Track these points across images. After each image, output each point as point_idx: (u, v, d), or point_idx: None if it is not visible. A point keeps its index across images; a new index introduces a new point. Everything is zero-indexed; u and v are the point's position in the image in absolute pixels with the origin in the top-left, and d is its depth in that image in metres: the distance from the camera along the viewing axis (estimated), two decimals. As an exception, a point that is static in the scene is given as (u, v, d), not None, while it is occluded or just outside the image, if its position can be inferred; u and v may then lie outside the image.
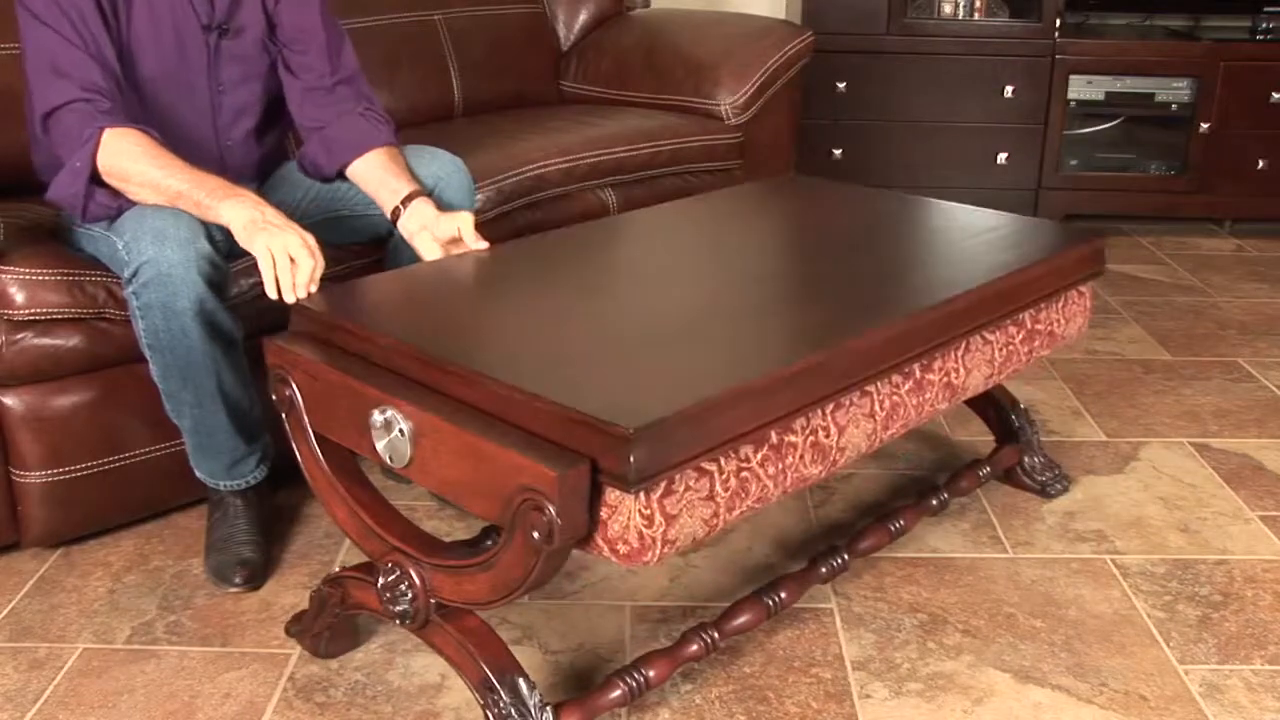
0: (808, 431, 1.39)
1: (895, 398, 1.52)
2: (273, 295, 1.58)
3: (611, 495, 1.20)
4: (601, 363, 1.36)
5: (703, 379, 1.29)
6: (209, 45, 1.85)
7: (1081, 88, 3.65)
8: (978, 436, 2.28)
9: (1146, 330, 2.95)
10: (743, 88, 2.79)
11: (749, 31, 2.94)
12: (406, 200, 1.78)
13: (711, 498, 1.28)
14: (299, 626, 1.67)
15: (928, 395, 1.59)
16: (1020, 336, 1.75)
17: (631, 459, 1.15)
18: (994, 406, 2.10)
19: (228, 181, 1.68)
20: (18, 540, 1.88)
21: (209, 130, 1.90)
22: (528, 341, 1.43)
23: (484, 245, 1.73)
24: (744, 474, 1.31)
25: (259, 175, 2.01)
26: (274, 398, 1.51)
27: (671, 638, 1.60)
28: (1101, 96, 3.67)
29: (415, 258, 1.77)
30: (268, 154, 2.01)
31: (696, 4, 3.54)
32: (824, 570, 1.70)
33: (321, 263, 1.59)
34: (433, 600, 1.40)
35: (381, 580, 1.43)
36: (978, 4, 3.66)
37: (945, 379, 1.62)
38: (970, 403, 2.09)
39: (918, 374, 1.56)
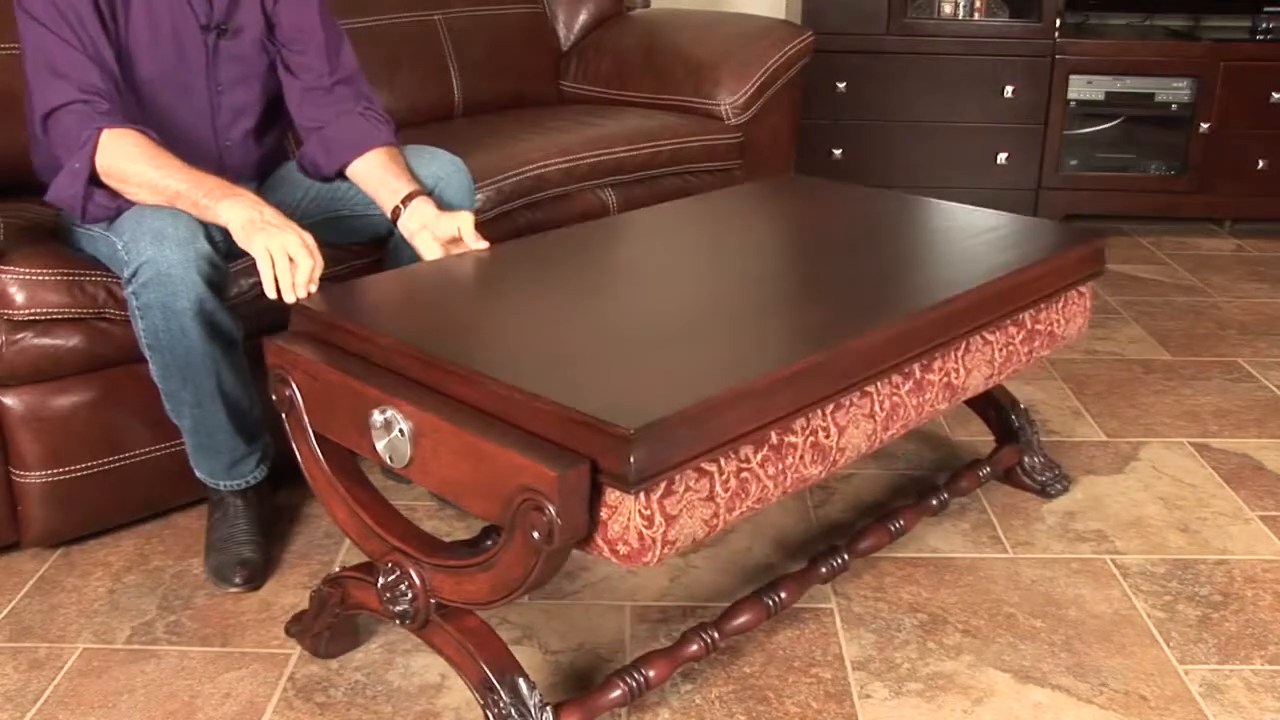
0: (808, 432, 1.39)
1: (895, 398, 1.52)
2: (271, 295, 1.58)
3: (611, 495, 1.20)
4: (601, 363, 1.35)
5: (703, 379, 1.29)
6: (207, 45, 1.85)
7: (1081, 88, 3.65)
8: (978, 436, 2.28)
9: (1146, 330, 2.95)
10: (743, 88, 2.79)
11: (749, 31, 2.94)
12: (406, 200, 1.78)
13: (711, 498, 1.28)
14: (299, 626, 1.67)
15: (928, 395, 1.59)
16: (1020, 337, 1.75)
17: (631, 459, 1.15)
18: (994, 406, 2.10)
19: (226, 181, 1.68)
20: (18, 540, 1.88)
21: (208, 130, 1.90)
22: (528, 341, 1.43)
23: (484, 245, 1.74)
24: (744, 474, 1.31)
25: (258, 175, 2.01)
26: (274, 398, 1.51)
27: (671, 638, 1.60)
28: (1101, 96, 3.67)
29: (415, 257, 1.77)
30: (267, 154, 2.01)
31: (696, 4, 3.54)
32: (824, 570, 1.70)
33: (320, 262, 1.59)
34: (433, 600, 1.40)
35: (381, 580, 1.43)
36: (978, 4, 3.66)
37: (945, 379, 1.62)
38: (970, 403, 2.09)
39: (918, 374, 1.56)
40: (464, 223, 1.73)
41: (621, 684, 1.47)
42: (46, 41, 1.69)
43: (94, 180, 1.68)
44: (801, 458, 1.39)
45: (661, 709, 1.55)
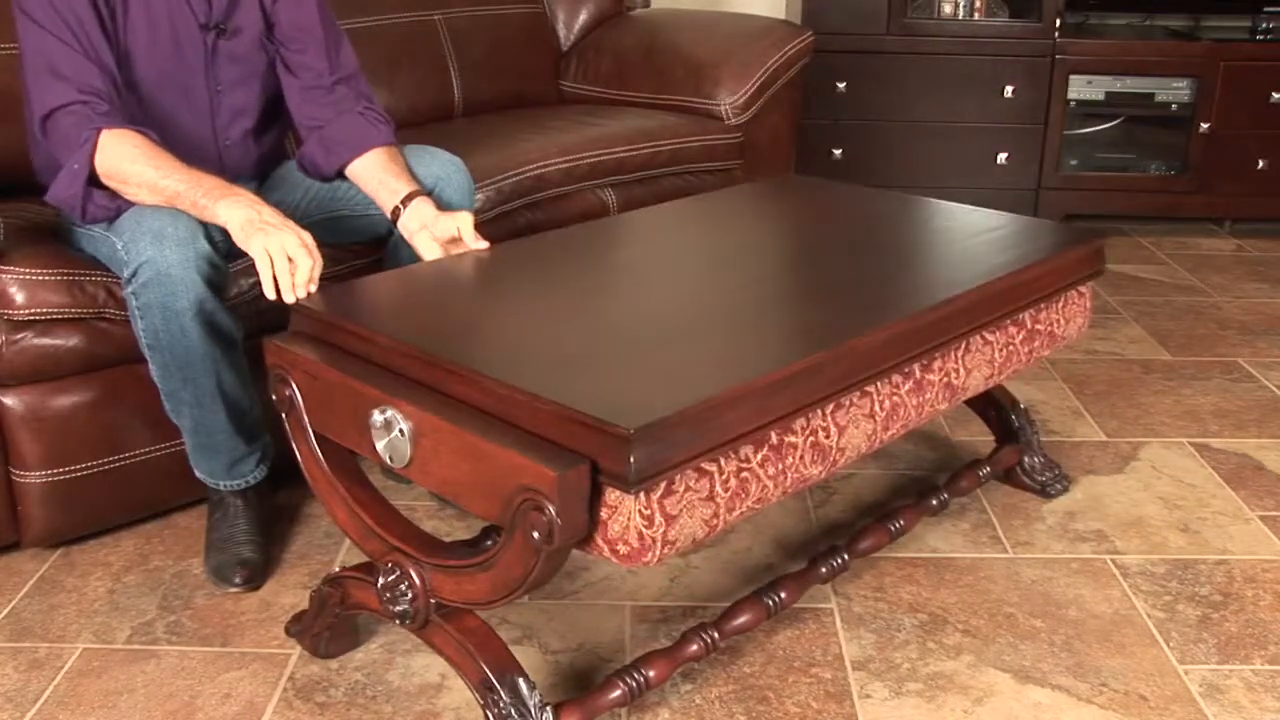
0: (808, 432, 1.39)
1: (895, 398, 1.52)
2: (270, 295, 1.58)
3: (611, 495, 1.20)
4: (601, 363, 1.35)
5: (703, 379, 1.29)
6: (207, 45, 1.85)
7: (1081, 88, 3.65)
8: (978, 436, 2.28)
9: (1146, 330, 2.95)
10: (743, 88, 2.79)
11: (749, 31, 2.94)
12: (406, 200, 1.78)
13: (711, 498, 1.28)
14: (299, 626, 1.67)
15: (928, 395, 1.59)
16: (1020, 337, 1.75)
17: (631, 459, 1.15)
18: (994, 406, 2.10)
19: (225, 181, 1.68)
20: (18, 540, 1.88)
21: (207, 130, 1.90)
22: (528, 341, 1.43)
23: (484, 245, 1.74)
24: (744, 474, 1.31)
25: (258, 175, 2.01)
26: (274, 398, 1.51)
27: (671, 638, 1.61)
28: (1101, 96, 3.67)
29: (415, 257, 1.77)
30: (266, 154, 2.01)
31: (696, 4, 3.54)
32: (824, 570, 1.70)
33: (320, 261, 1.59)
34: (433, 600, 1.40)
35: (381, 580, 1.43)
36: (978, 4, 3.66)
37: (945, 379, 1.62)
38: (970, 403, 2.09)
39: (918, 374, 1.56)
40: (463, 223, 1.73)
41: (621, 684, 1.47)
42: (45, 43, 1.69)
43: (93, 181, 1.68)
44: (801, 458, 1.39)
45: (661, 709, 1.55)
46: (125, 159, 1.66)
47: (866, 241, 1.88)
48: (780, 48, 2.86)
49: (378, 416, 1.34)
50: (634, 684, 1.47)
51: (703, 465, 1.25)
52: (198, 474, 1.86)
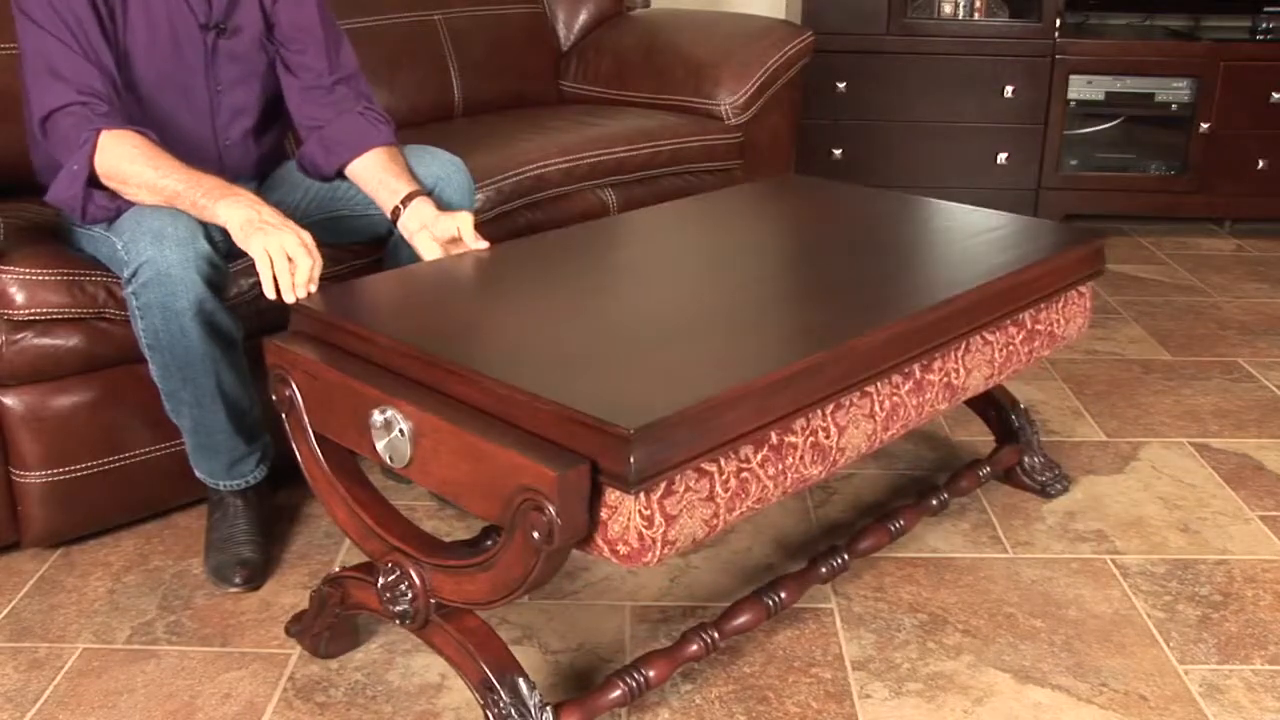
0: (808, 432, 1.39)
1: (895, 398, 1.52)
2: (270, 295, 1.58)
3: (611, 495, 1.20)
4: (601, 363, 1.35)
5: (703, 379, 1.29)
6: (206, 44, 1.85)
7: (1081, 88, 3.65)
8: (978, 436, 2.28)
9: (1146, 330, 2.95)
10: (743, 88, 2.79)
11: (749, 31, 2.94)
12: (406, 200, 1.78)
13: (711, 498, 1.28)
14: (299, 626, 1.67)
15: (928, 395, 1.59)
16: (1020, 337, 1.75)
17: (631, 459, 1.15)
18: (994, 406, 2.10)
19: (225, 181, 1.68)
20: (18, 540, 1.88)
21: (207, 130, 1.90)
22: (528, 341, 1.43)
23: (484, 245, 1.74)
24: (744, 474, 1.31)
25: (258, 175, 2.01)
26: (274, 398, 1.51)
27: (671, 638, 1.61)
28: (1101, 96, 3.67)
29: (415, 257, 1.77)
30: (266, 154, 2.01)
31: (696, 4, 3.54)
32: (824, 570, 1.70)
33: (319, 261, 1.59)
34: (433, 600, 1.40)
35: (381, 580, 1.43)
36: (978, 4, 3.66)
37: (945, 379, 1.62)
38: (970, 403, 2.09)
39: (918, 374, 1.56)
40: (463, 223, 1.73)
41: (621, 684, 1.47)
42: (45, 44, 1.69)
43: (93, 182, 1.68)
44: (801, 458, 1.39)
45: (661, 709, 1.55)
46: (124, 159, 1.66)
47: (866, 241, 1.88)
48: (780, 48, 2.86)
49: (378, 416, 1.34)
50: (634, 684, 1.47)
51: (703, 465, 1.25)
52: (198, 474, 1.86)
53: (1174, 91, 3.63)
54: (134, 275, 1.64)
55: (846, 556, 1.73)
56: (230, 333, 1.72)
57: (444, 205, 1.82)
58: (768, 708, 1.55)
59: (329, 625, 1.61)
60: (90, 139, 1.66)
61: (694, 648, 1.53)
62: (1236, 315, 3.06)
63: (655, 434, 1.17)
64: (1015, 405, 2.10)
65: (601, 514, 1.21)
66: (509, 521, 1.23)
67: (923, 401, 1.58)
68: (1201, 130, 3.62)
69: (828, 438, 1.42)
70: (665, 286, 1.66)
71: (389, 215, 1.80)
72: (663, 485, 1.21)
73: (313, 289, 1.58)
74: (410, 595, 1.41)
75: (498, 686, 1.37)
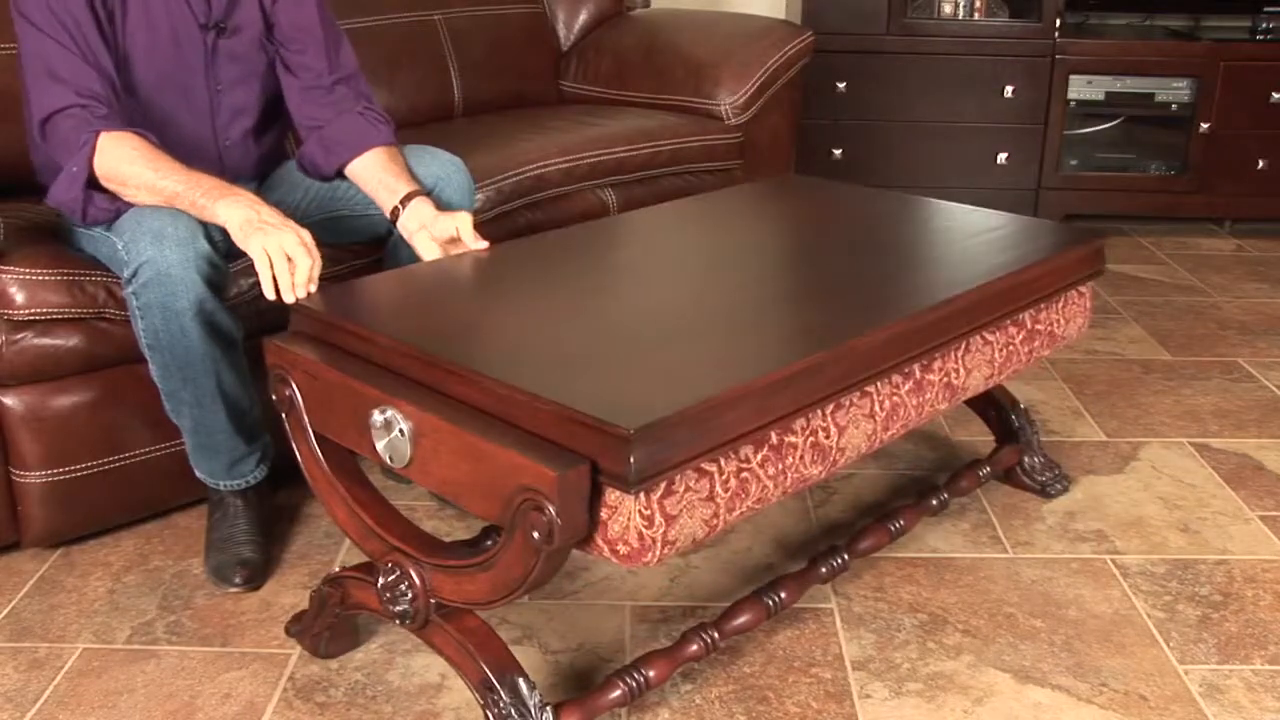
0: (808, 432, 1.39)
1: (895, 398, 1.52)
2: (270, 295, 1.58)
3: (611, 495, 1.20)
4: (601, 363, 1.35)
5: (703, 379, 1.29)
6: (206, 44, 1.85)
7: (1081, 88, 3.65)
8: (978, 436, 2.28)
9: (1146, 330, 2.95)
10: (743, 88, 2.79)
11: (749, 31, 2.94)
12: (405, 200, 1.78)
13: (711, 498, 1.28)
14: (299, 626, 1.67)
15: (928, 395, 1.59)
16: (1020, 337, 1.75)
17: (631, 459, 1.15)
18: (994, 406, 2.10)
19: (224, 181, 1.68)
20: (18, 540, 1.88)
21: (207, 130, 1.90)
22: (528, 341, 1.43)
23: (484, 245, 1.74)
24: (744, 474, 1.31)
25: (258, 175, 2.01)
26: (274, 398, 1.51)
27: (671, 638, 1.61)
28: (1101, 96, 3.67)
29: (415, 257, 1.78)
30: (266, 154, 2.01)
31: (696, 4, 3.54)
32: (824, 570, 1.70)
33: (319, 260, 1.59)
34: (433, 600, 1.40)
35: (381, 580, 1.43)
36: (978, 4, 3.66)
37: (945, 379, 1.62)
38: (970, 403, 2.09)
39: (918, 374, 1.56)
40: (462, 223, 1.73)
41: (621, 684, 1.47)
42: (44, 46, 1.69)
43: (93, 184, 1.68)
44: (801, 458, 1.39)
45: (661, 709, 1.55)
46: (123, 161, 1.66)
47: (866, 241, 1.88)
48: (780, 48, 2.86)
49: (378, 416, 1.34)
50: (634, 684, 1.47)
51: (703, 465, 1.25)
52: (198, 474, 1.86)
53: (1174, 91, 3.63)
54: (134, 275, 1.64)
55: (846, 556, 1.73)
56: (230, 333, 1.73)
57: (444, 205, 1.82)
58: (768, 708, 1.55)
59: (329, 625, 1.61)
60: (89, 141, 1.66)
61: (694, 648, 1.53)
62: (1236, 315, 3.06)
63: (655, 434, 1.17)
64: (1015, 405, 2.10)
65: (601, 514, 1.21)
66: (509, 521, 1.23)
67: (923, 401, 1.58)
68: (1201, 130, 3.62)
69: (828, 438, 1.42)
70: (665, 286, 1.66)
71: (388, 215, 1.80)
72: (663, 485, 1.21)
73: (313, 289, 1.58)
74: (410, 595, 1.41)
75: (498, 686, 1.37)
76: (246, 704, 1.56)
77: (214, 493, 1.88)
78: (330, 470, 1.50)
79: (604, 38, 3.10)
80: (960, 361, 1.64)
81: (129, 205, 1.69)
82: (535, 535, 1.20)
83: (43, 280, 1.74)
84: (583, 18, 3.15)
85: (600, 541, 1.23)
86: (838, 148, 3.71)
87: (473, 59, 2.89)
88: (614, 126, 2.66)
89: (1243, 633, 1.72)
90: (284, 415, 1.51)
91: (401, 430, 1.32)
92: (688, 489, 1.24)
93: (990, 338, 1.69)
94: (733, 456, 1.29)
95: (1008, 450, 2.08)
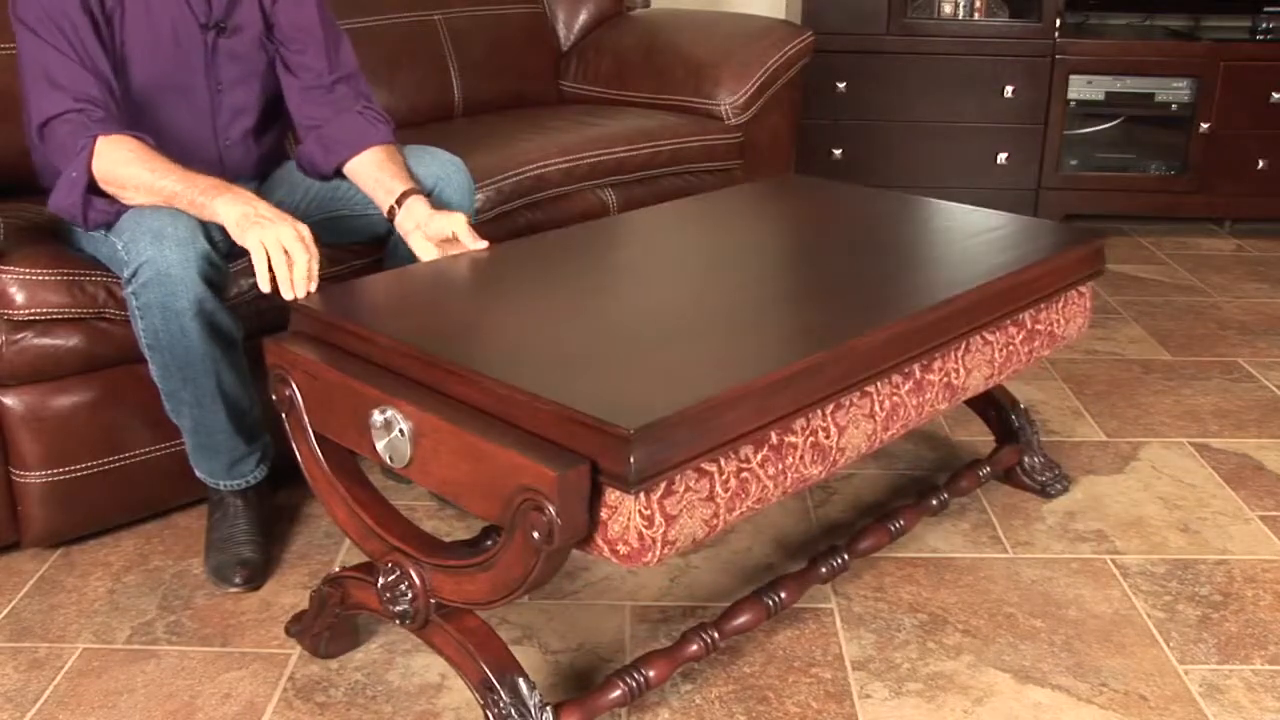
0: (808, 432, 1.39)
1: (895, 398, 1.52)
2: (266, 289, 1.58)
3: (611, 495, 1.20)
4: (601, 363, 1.35)
5: (703, 379, 1.29)
6: (206, 44, 1.85)
7: (1081, 88, 3.65)
8: (978, 436, 2.28)
9: (1146, 330, 2.95)
10: (743, 88, 2.79)
11: (749, 31, 2.94)
12: (401, 199, 1.78)
13: (711, 498, 1.28)
14: (299, 626, 1.67)
15: (928, 395, 1.59)
16: (1020, 337, 1.75)
17: (631, 459, 1.15)
18: (994, 406, 2.10)
19: (222, 180, 1.68)
20: (18, 540, 1.88)
21: (208, 130, 1.90)
22: (528, 341, 1.43)
23: (483, 245, 1.74)
24: (744, 474, 1.31)
25: (258, 175, 2.01)
26: (274, 398, 1.51)
27: (671, 638, 1.61)
28: (1101, 96, 3.67)
29: (414, 257, 1.77)
30: (266, 153, 2.01)
31: (696, 4, 3.54)
32: (824, 570, 1.70)
33: (317, 255, 1.59)
34: (433, 600, 1.40)
35: (381, 580, 1.43)
36: (978, 4, 3.66)
37: (945, 379, 1.62)
38: (970, 403, 2.09)
39: (918, 374, 1.56)
40: (458, 224, 1.73)
41: (621, 684, 1.47)
42: (41, 52, 1.69)
43: (92, 188, 1.68)
44: (801, 458, 1.39)
45: (661, 709, 1.55)
46: (120, 163, 1.66)
47: (866, 241, 1.88)
48: (780, 48, 2.86)
49: (378, 416, 1.34)
50: (634, 684, 1.47)
51: (703, 465, 1.25)
52: (198, 474, 1.86)
53: (1174, 91, 3.63)
54: (134, 275, 1.64)
55: (846, 556, 1.73)
56: (230, 333, 1.73)
57: (444, 205, 1.82)
58: (768, 708, 1.55)
59: (329, 625, 1.61)
60: (87, 145, 1.66)
61: (694, 648, 1.53)
62: (1236, 315, 3.06)
63: (655, 434, 1.17)
64: (1015, 405, 2.10)
65: (601, 514, 1.21)
66: (509, 521, 1.23)
67: (923, 401, 1.58)
68: (1201, 130, 3.62)
69: (828, 438, 1.42)
70: (665, 286, 1.66)
71: (385, 214, 1.80)
72: (663, 485, 1.21)
73: (313, 287, 1.58)
74: (410, 595, 1.41)
75: (498, 686, 1.37)
76: (246, 704, 1.56)
77: (214, 493, 1.88)
78: (330, 470, 1.50)
79: (604, 38, 3.10)
80: (960, 361, 1.64)
81: (129, 208, 1.69)
82: (535, 535, 1.20)
83: (43, 280, 1.74)
84: (583, 18, 3.15)
85: (600, 541, 1.23)
86: (838, 148, 3.71)
87: (473, 59, 2.89)
88: (614, 126, 2.66)
89: (1243, 633, 1.72)
90: (284, 415, 1.51)
91: (401, 430, 1.32)
92: (688, 489, 1.24)
93: (990, 338, 1.69)
94: (733, 456, 1.29)
95: (1008, 450, 2.08)
